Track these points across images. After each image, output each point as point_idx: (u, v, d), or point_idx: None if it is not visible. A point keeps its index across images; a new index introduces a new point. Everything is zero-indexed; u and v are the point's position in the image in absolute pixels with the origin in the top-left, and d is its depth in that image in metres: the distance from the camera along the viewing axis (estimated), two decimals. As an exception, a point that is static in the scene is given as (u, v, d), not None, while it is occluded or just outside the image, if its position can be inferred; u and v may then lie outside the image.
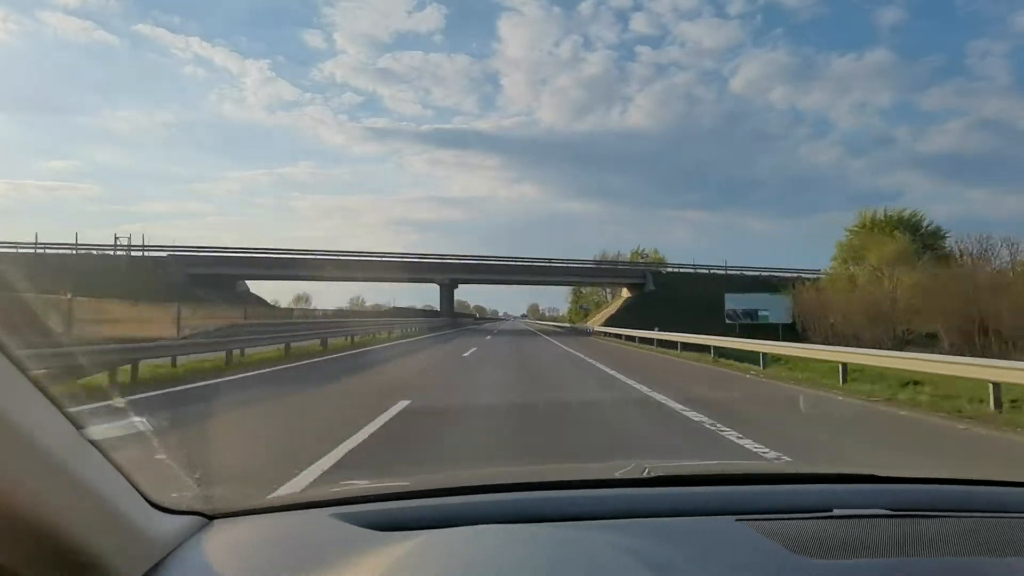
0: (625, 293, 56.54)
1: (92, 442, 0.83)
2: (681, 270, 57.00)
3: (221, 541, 1.04)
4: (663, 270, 57.48)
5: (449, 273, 50.39)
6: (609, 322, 42.86)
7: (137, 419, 1.40)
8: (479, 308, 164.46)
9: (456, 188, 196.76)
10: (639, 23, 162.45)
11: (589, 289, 74.67)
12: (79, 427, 0.81)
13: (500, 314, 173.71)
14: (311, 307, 53.59)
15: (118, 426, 1.21)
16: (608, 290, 68.42)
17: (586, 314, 71.47)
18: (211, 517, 1.12)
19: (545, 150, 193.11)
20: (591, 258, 62.69)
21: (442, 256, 52.16)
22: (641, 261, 65.91)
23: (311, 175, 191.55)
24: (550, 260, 54.66)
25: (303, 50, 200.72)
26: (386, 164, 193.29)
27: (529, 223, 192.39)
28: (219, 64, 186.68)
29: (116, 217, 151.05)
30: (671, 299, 43.23)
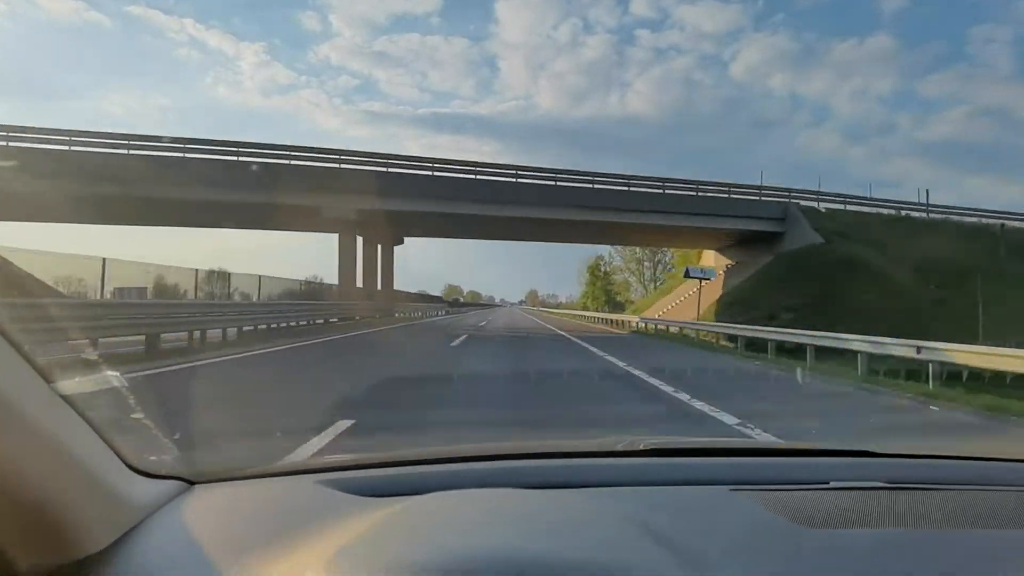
0: (715, 260, 32.55)
1: (65, 398, 0.80)
2: (877, 208, 30.58)
3: (202, 506, 1.02)
4: (825, 205, 29.77)
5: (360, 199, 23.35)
6: (723, 310, 23.75)
7: (112, 374, 1.34)
8: (473, 294, 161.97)
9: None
10: (639, 6, 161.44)
11: (624, 259, 57.34)
12: (50, 382, 0.78)
13: (496, 300, 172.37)
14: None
15: (91, 380, 1.15)
16: (663, 260, 52.29)
17: (609, 302, 58.28)
18: (192, 482, 1.09)
19: (543, 136, 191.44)
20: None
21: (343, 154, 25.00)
22: (771, 188, 29.76)
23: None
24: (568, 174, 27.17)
25: (298, 32, 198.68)
26: (382, 149, 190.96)
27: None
28: (213, 46, 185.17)
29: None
30: (854, 264, 23.46)
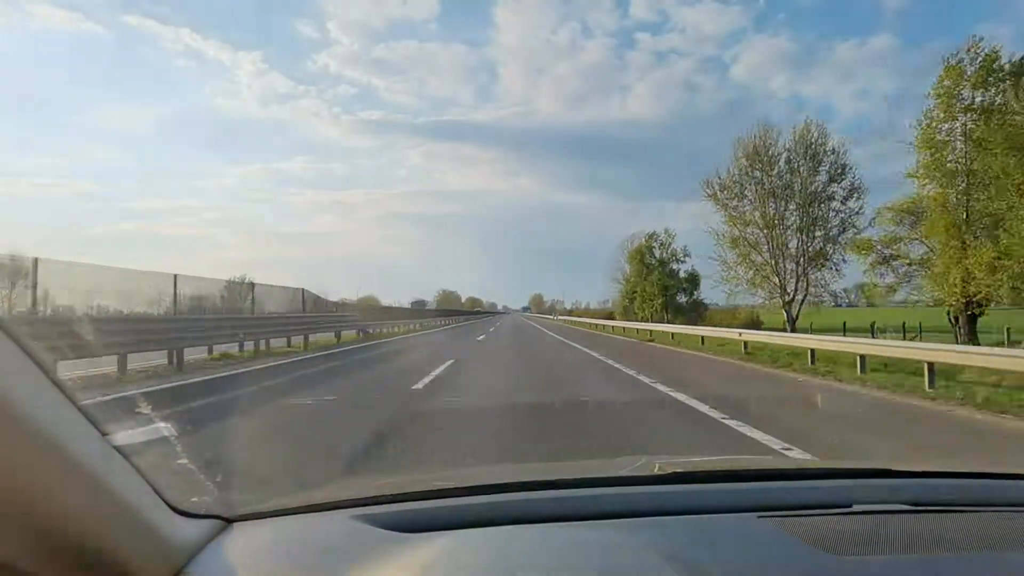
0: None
1: (116, 448, 0.84)
2: None
3: (242, 544, 1.05)
4: None
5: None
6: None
7: (162, 424, 1.40)
8: (472, 300, 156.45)
9: (453, 182, 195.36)
10: (639, 8, 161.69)
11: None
12: (104, 433, 0.82)
13: (499, 307, 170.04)
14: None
15: (142, 432, 1.20)
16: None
17: (670, 303, 37.80)
18: (230, 520, 1.12)
19: (543, 141, 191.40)
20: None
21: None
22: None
23: (306, 169, 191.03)
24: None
25: (296, 41, 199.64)
26: (381, 158, 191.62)
27: (527, 217, 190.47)
28: (211, 56, 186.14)
29: (112, 215, 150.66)
30: None
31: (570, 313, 73.69)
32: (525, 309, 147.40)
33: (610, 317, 42.66)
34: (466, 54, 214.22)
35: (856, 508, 1.12)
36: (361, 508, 1.17)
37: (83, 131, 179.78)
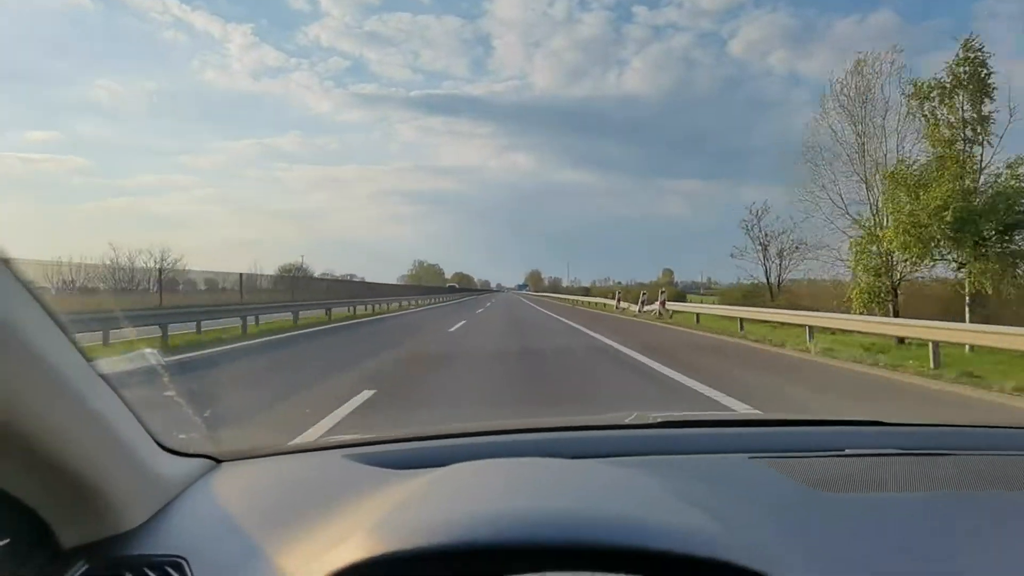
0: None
1: (103, 376, 0.82)
2: None
3: (230, 483, 1.04)
4: None
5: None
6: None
7: (149, 351, 1.38)
8: (460, 276, 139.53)
9: (447, 157, 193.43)
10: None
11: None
12: (89, 360, 0.80)
13: (492, 285, 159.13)
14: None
15: (127, 358, 1.18)
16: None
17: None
18: (219, 460, 1.12)
19: (538, 117, 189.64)
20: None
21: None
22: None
23: (299, 145, 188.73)
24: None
25: (287, 12, 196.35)
26: (374, 133, 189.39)
27: (522, 194, 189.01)
28: (200, 28, 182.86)
29: (104, 191, 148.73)
30: None
31: (586, 293, 56.96)
32: (522, 287, 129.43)
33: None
34: (460, 26, 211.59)
35: (848, 451, 1.13)
36: (351, 449, 1.16)
37: (71, 105, 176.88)
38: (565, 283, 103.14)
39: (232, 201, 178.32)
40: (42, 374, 0.69)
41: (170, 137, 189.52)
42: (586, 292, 66.64)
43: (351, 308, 27.60)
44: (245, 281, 21.33)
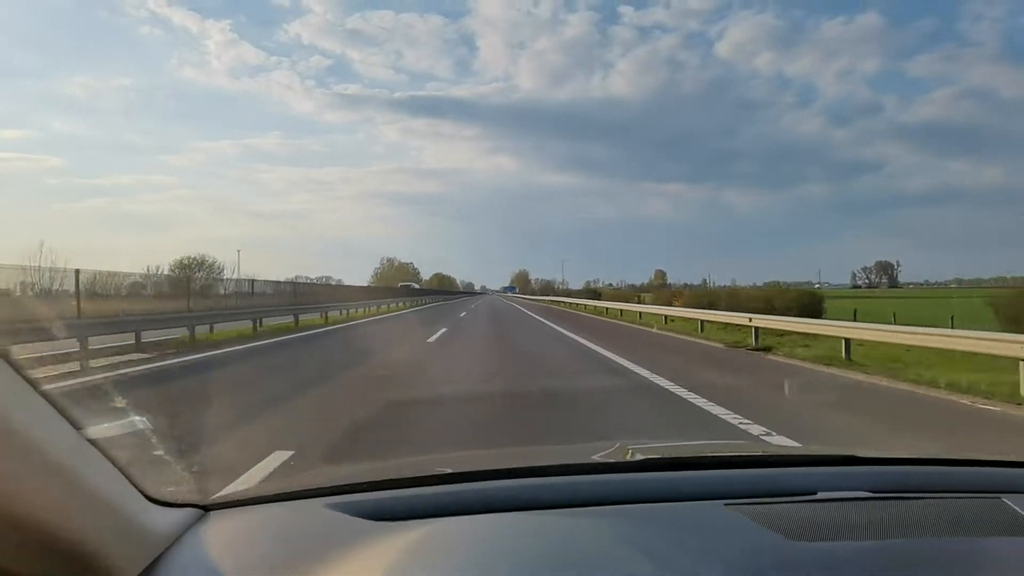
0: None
1: (91, 441, 0.85)
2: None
3: (218, 534, 1.06)
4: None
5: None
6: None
7: (137, 418, 1.42)
8: (440, 277, 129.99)
9: (431, 159, 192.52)
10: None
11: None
12: (78, 427, 0.83)
13: (476, 287, 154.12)
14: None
15: (117, 425, 1.23)
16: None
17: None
18: (207, 508, 1.14)
19: (523, 119, 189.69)
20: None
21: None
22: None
23: (280, 145, 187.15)
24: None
25: (266, 9, 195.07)
26: (357, 134, 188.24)
27: (508, 197, 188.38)
28: (177, 24, 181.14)
29: (80, 191, 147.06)
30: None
31: (595, 297, 48.49)
32: (508, 289, 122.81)
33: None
34: (444, 25, 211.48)
35: (820, 496, 1.16)
36: (337, 496, 1.19)
37: (45, 102, 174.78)
38: (559, 284, 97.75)
39: (212, 201, 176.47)
40: (19, 442, 0.70)
41: (148, 136, 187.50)
42: (596, 296, 52.30)
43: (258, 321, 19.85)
44: (104, 283, 14.71)
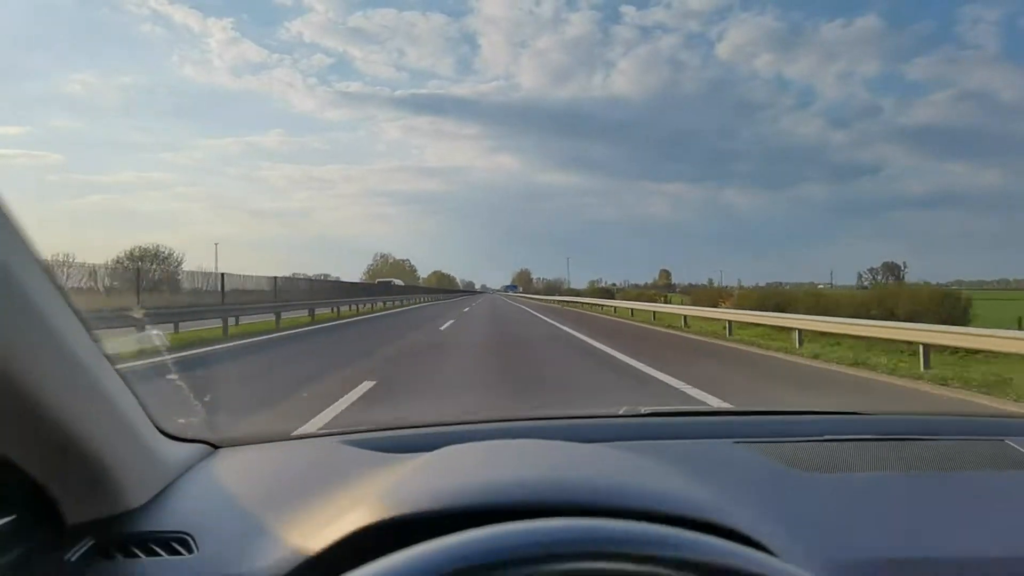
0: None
1: (108, 357, 0.83)
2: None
3: (229, 467, 1.07)
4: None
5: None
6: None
7: (155, 332, 1.54)
8: (439, 275, 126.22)
9: (432, 158, 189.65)
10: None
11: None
12: (96, 341, 0.80)
13: (477, 286, 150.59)
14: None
15: (135, 338, 1.27)
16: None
17: None
18: (216, 446, 1.14)
19: (525, 117, 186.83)
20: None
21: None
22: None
23: (281, 143, 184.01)
24: None
25: (268, 7, 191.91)
26: (359, 132, 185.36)
27: (509, 196, 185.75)
28: (178, 22, 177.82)
29: (80, 188, 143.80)
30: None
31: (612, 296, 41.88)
32: (510, 288, 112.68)
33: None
34: (446, 23, 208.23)
35: (827, 437, 1.18)
36: (348, 436, 1.19)
37: (45, 100, 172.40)
38: (566, 284, 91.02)
39: (213, 199, 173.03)
40: (47, 350, 0.69)
41: (148, 134, 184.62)
42: (608, 295, 44.94)
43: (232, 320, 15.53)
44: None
